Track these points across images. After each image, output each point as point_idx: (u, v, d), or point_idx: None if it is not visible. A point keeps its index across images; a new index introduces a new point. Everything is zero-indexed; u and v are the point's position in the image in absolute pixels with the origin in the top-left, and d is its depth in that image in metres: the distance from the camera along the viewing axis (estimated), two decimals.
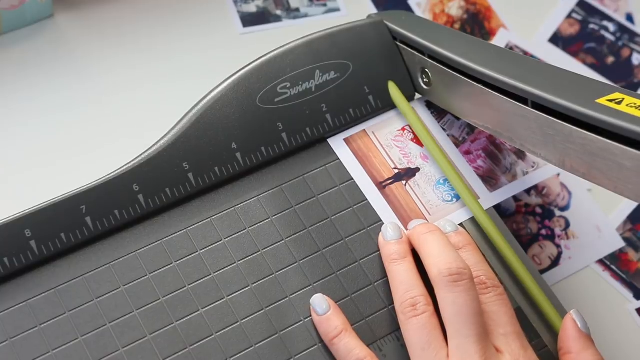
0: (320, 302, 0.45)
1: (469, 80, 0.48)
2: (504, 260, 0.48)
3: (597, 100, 0.41)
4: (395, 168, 0.50)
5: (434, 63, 0.50)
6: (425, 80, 0.52)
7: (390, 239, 0.47)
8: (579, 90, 0.43)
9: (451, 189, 0.50)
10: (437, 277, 0.43)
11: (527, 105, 0.44)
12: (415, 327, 0.43)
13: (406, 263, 0.46)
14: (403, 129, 0.52)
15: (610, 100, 0.40)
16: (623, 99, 0.40)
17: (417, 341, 0.43)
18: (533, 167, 0.52)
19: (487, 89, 0.47)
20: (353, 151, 0.50)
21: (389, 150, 0.51)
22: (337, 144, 0.50)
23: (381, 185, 0.49)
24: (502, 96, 0.46)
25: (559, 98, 0.42)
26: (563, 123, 0.42)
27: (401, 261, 0.46)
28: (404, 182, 0.50)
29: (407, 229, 0.48)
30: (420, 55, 0.51)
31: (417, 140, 0.51)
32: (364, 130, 0.51)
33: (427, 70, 0.51)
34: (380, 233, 0.48)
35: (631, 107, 0.39)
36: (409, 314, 0.43)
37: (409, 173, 0.50)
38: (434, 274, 0.43)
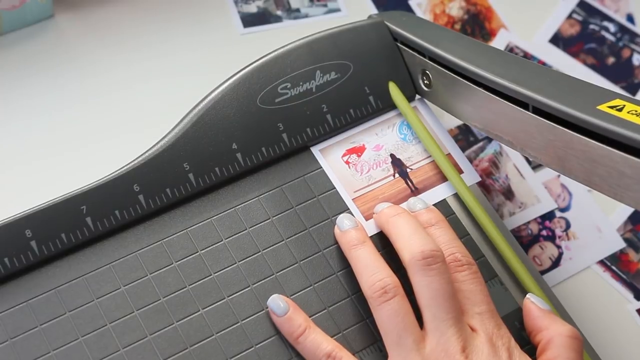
0: (277, 303, 0.44)
1: (469, 84, 0.48)
2: (503, 261, 0.48)
3: (598, 107, 0.41)
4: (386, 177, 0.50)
5: (435, 65, 0.50)
6: (425, 81, 0.52)
7: (347, 228, 0.46)
8: (580, 96, 0.43)
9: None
10: (410, 262, 0.43)
11: (528, 110, 0.44)
12: (389, 313, 0.42)
13: (367, 247, 0.45)
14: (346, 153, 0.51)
15: (612, 107, 0.40)
16: (624, 105, 0.40)
17: (393, 328, 0.42)
18: (520, 207, 0.53)
19: (488, 93, 0.46)
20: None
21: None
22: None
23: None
24: (503, 100, 0.46)
25: (560, 104, 0.42)
26: (564, 129, 0.42)
27: (361, 246, 0.45)
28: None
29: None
30: (421, 57, 0.51)
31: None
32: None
33: (427, 72, 0.51)
34: (335, 225, 0.47)
35: (632, 114, 0.39)
36: (380, 299, 0.43)
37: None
38: (407, 259, 0.43)
